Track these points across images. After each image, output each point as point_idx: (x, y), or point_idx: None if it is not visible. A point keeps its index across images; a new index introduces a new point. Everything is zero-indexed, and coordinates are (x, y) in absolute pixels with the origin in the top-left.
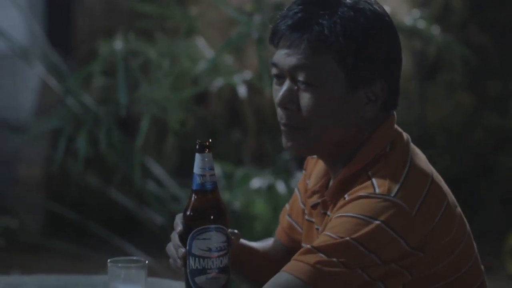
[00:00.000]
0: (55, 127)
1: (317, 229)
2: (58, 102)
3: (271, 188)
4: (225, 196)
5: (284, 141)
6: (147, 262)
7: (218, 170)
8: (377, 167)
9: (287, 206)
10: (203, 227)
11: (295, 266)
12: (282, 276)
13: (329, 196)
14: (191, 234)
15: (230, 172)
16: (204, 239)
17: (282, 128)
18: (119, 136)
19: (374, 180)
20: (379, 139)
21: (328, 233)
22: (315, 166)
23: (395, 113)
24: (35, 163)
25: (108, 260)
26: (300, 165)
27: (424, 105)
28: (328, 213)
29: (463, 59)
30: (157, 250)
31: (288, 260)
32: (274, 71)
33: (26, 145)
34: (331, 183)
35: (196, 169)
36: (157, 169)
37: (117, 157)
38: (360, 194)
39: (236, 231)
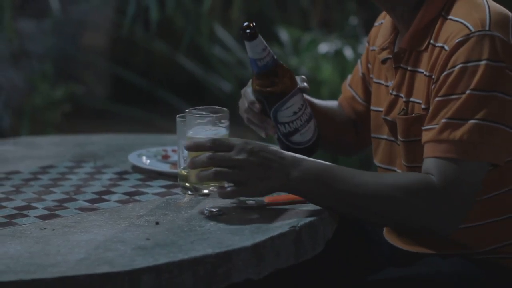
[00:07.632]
0: None
1: (386, 86)
2: None
3: (338, 53)
4: (292, 61)
5: None
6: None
7: (285, 36)
8: (454, 9)
9: (349, 77)
10: (281, 101)
11: (440, 148)
12: (431, 162)
13: (405, 44)
14: (272, 110)
15: (297, 37)
16: (286, 108)
17: None
18: None
19: (462, 20)
20: None
21: (447, 96)
22: (379, 30)
23: None
24: (101, 29)
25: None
26: (367, 30)
27: None
28: (402, 65)
29: None
30: None
31: (350, 126)
32: None
33: (92, 12)
34: (399, 38)
35: (253, 55)
36: (223, 35)
37: (184, 21)
38: (457, 40)
39: (302, 82)
